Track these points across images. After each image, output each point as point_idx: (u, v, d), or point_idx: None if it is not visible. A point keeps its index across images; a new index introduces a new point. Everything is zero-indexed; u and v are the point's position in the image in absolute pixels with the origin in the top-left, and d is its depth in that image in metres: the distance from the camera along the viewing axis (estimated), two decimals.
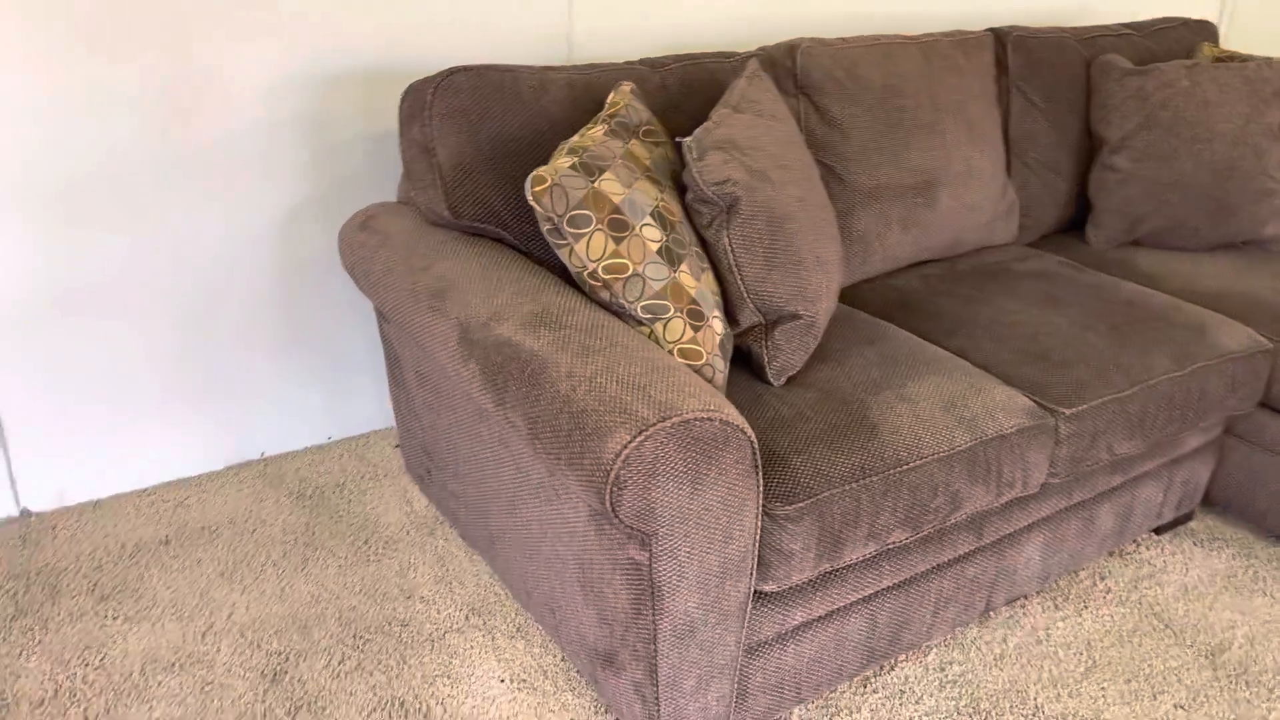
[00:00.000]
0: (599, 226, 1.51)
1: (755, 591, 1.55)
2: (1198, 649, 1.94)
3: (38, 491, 2.18)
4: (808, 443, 1.60)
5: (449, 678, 1.80)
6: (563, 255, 1.54)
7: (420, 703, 1.74)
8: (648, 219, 1.57)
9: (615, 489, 1.29)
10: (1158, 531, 2.29)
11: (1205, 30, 2.87)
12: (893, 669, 1.87)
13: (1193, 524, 2.33)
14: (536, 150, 1.84)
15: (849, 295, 2.23)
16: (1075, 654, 1.92)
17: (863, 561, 1.66)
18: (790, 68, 2.17)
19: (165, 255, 2.13)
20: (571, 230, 1.51)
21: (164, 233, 2.11)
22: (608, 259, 1.52)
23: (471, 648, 1.86)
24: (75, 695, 1.72)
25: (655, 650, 1.47)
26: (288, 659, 1.82)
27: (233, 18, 2.01)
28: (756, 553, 1.49)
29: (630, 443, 1.28)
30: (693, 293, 1.59)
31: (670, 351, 1.56)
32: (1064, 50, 2.57)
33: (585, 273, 1.54)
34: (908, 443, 1.63)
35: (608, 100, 1.81)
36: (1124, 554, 2.21)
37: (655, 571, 1.39)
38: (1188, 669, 1.89)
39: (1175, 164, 2.46)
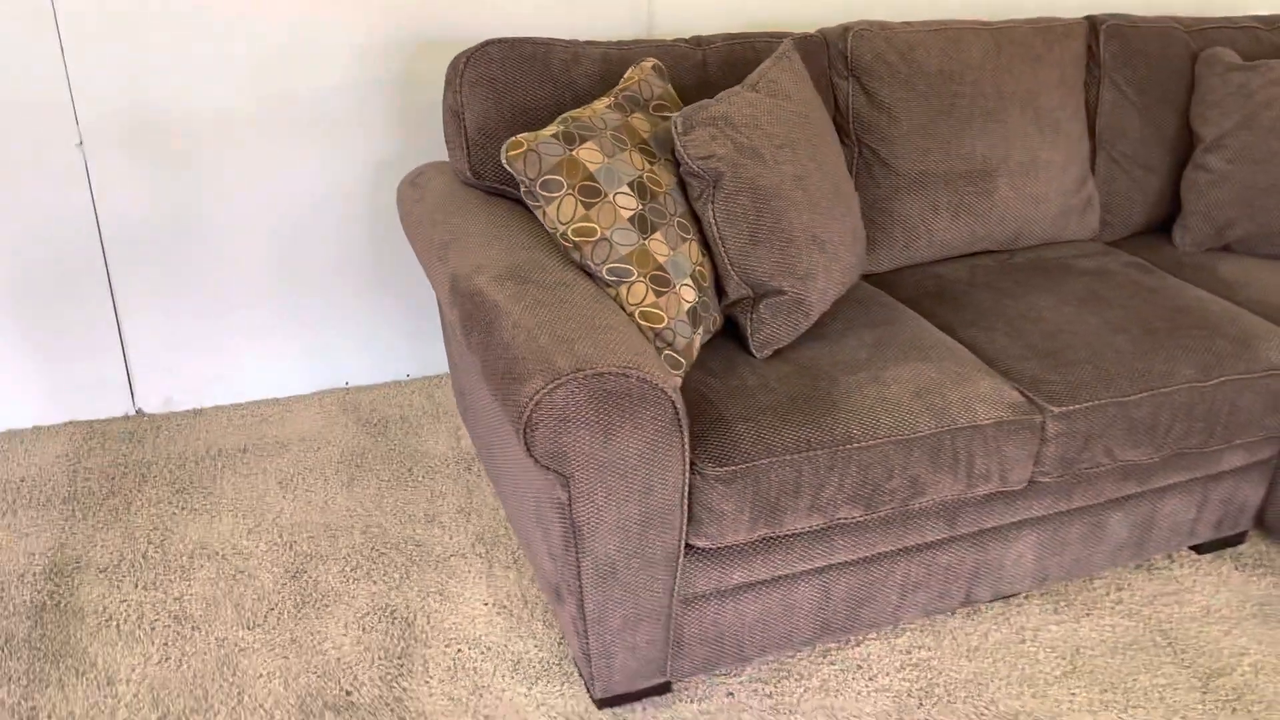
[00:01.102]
0: (569, 192, 1.63)
1: (688, 545, 1.64)
2: (1194, 670, 1.87)
3: (152, 395, 2.52)
4: (759, 411, 1.66)
5: (441, 595, 1.98)
6: (539, 216, 1.67)
7: (410, 613, 1.93)
8: (624, 188, 1.67)
9: (528, 429, 1.42)
10: (1198, 550, 2.18)
11: None
12: (859, 644, 1.91)
13: (1242, 547, 2.20)
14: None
15: (888, 279, 2.24)
16: (1057, 657, 1.89)
17: (810, 532, 1.71)
18: (842, 50, 2.20)
19: (265, 195, 2.41)
20: (544, 193, 1.63)
21: (265, 175, 2.39)
22: (577, 222, 1.64)
23: (469, 572, 2.04)
24: (133, 565, 2.02)
25: (581, 586, 1.59)
26: (311, 560, 2.06)
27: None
28: (686, 508, 1.58)
29: (542, 389, 1.40)
30: (661, 260, 1.68)
31: (632, 313, 1.66)
32: (1168, 41, 2.44)
33: (558, 234, 1.66)
34: (864, 422, 1.67)
35: (625, 75, 1.91)
36: (1152, 568, 2.13)
37: (575, 512, 1.51)
38: (1175, 688, 1.83)
39: (1273, 167, 2.30)
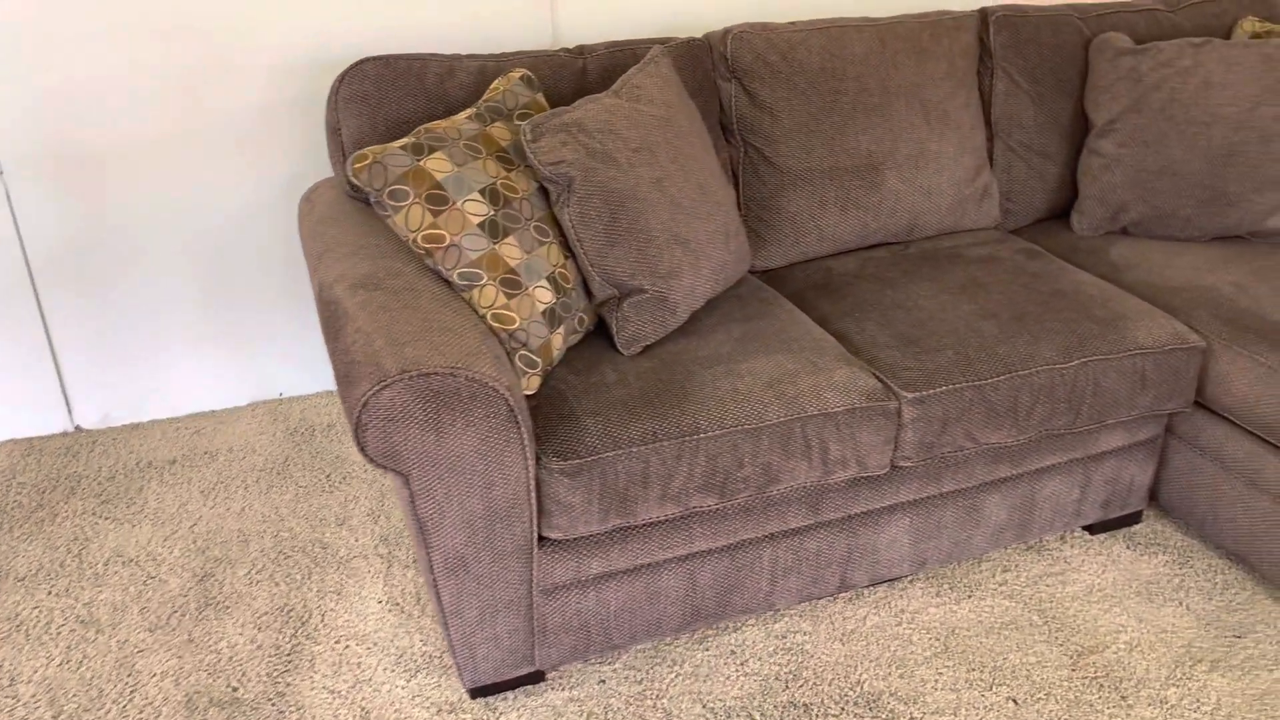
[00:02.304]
0: (416, 200, 1.70)
1: (542, 537, 1.70)
2: (1066, 648, 1.90)
3: (90, 412, 2.63)
4: (609, 406, 1.72)
5: (339, 594, 2.05)
6: (390, 225, 1.74)
7: (305, 611, 2.01)
8: (474, 195, 1.73)
9: (359, 430, 1.49)
10: (1091, 530, 2.21)
11: (1258, 3, 2.65)
12: (735, 630, 1.95)
13: (1138, 526, 2.22)
14: None
15: (780, 274, 2.28)
16: (931, 639, 1.93)
17: (667, 521, 1.76)
18: (723, 52, 2.25)
19: (189, 212, 2.50)
20: (391, 203, 1.70)
21: (188, 193, 2.48)
22: (426, 229, 1.70)
23: (369, 571, 2.11)
24: (49, 574, 2.11)
25: (435, 580, 1.65)
26: (220, 564, 2.14)
27: (239, 11, 2.32)
28: (534, 501, 1.64)
29: (369, 391, 1.47)
30: (513, 264, 1.74)
31: (484, 316, 1.73)
32: (1059, 29, 2.47)
33: (409, 241, 1.73)
34: (712, 413, 1.72)
35: (490, 86, 1.98)
36: (1041, 549, 2.16)
37: (418, 509, 1.58)
38: (1044, 666, 1.86)
39: (1165, 149, 2.32)
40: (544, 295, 1.77)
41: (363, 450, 1.51)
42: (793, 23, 2.31)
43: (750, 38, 2.24)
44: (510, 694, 1.82)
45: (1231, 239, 2.36)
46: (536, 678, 1.85)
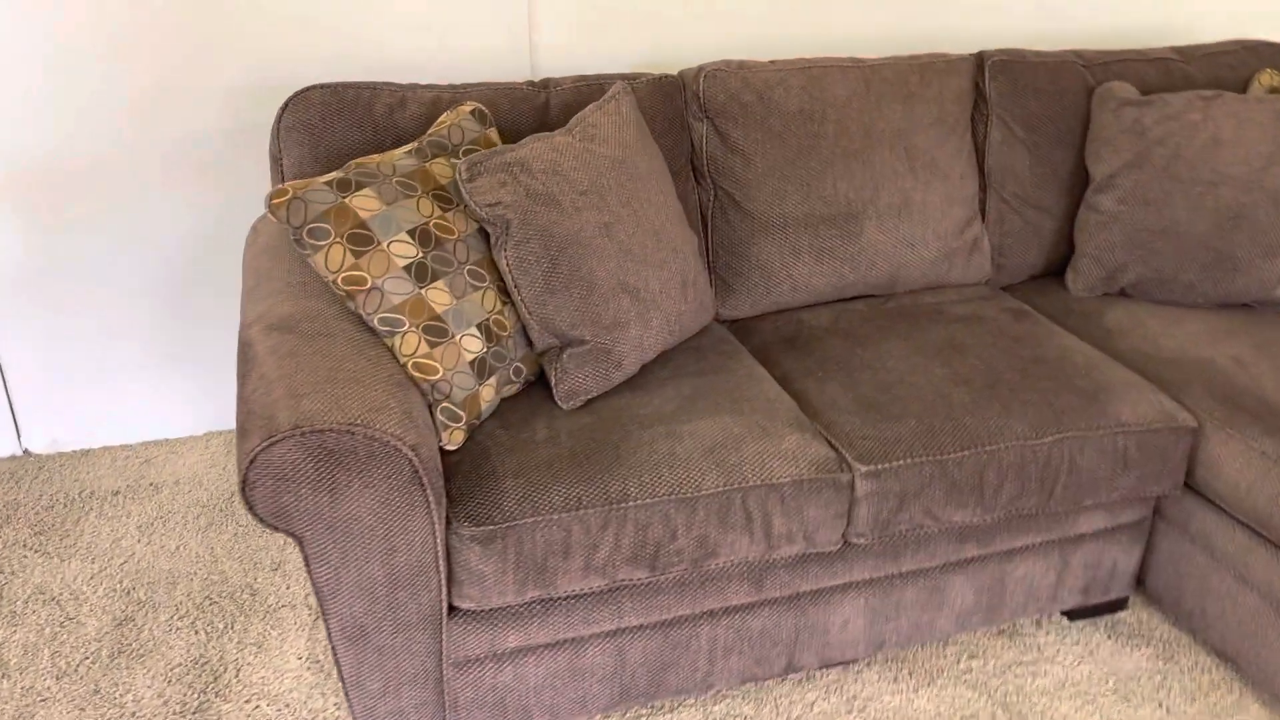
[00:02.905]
0: (337, 240, 1.59)
1: (453, 607, 1.57)
2: None
3: (38, 436, 2.55)
4: (535, 467, 1.60)
5: (259, 647, 1.94)
6: (310, 264, 1.64)
7: (222, 664, 1.90)
8: (401, 236, 1.63)
9: (246, 488, 1.38)
10: (1070, 615, 2.05)
11: (1278, 54, 2.49)
12: (671, 710, 1.82)
13: (1122, 614, 2.06)
14: None
15: (750, 325, 2.15)
16: None
17: (593, 594, 1.63)
18: (696, 91, 2.13)
19: (140, 239, 2.42)
20: (311, 241, 1.59)
21: (139, 219, 2.40)
22: (346, 270, 1.60)
23: (294, 624, 2.00)
24: None
25: (334, 649, 1.53)
26: (142, 608, 2.04)
27: (197, 33, 2.24)
28: (443, 568, 1.52)
29: (259, 446, 1.36)
30: (439, 310, 1.63)
31: (405, 365, 1.62)
32: (1060, 76, 2.33)
33: (330, 282, 1.62)
34: (643, 479, 1.59)
35: (438, 119, 1.88)
36: (1014, 633, 2.00)
37: (314, 573, 1.46)
38: None
39: (1167, 209, 2.17)
40: (472, 344, 1.66)
41: (250, 509, 1.40)
42: (773, 61, 2.19)
43: (724, 76, 2.12)
44: None
45: (1238, 307, 2.20)
46: None
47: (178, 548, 2.21)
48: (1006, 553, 1.88)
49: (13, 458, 2.54)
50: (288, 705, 1.81)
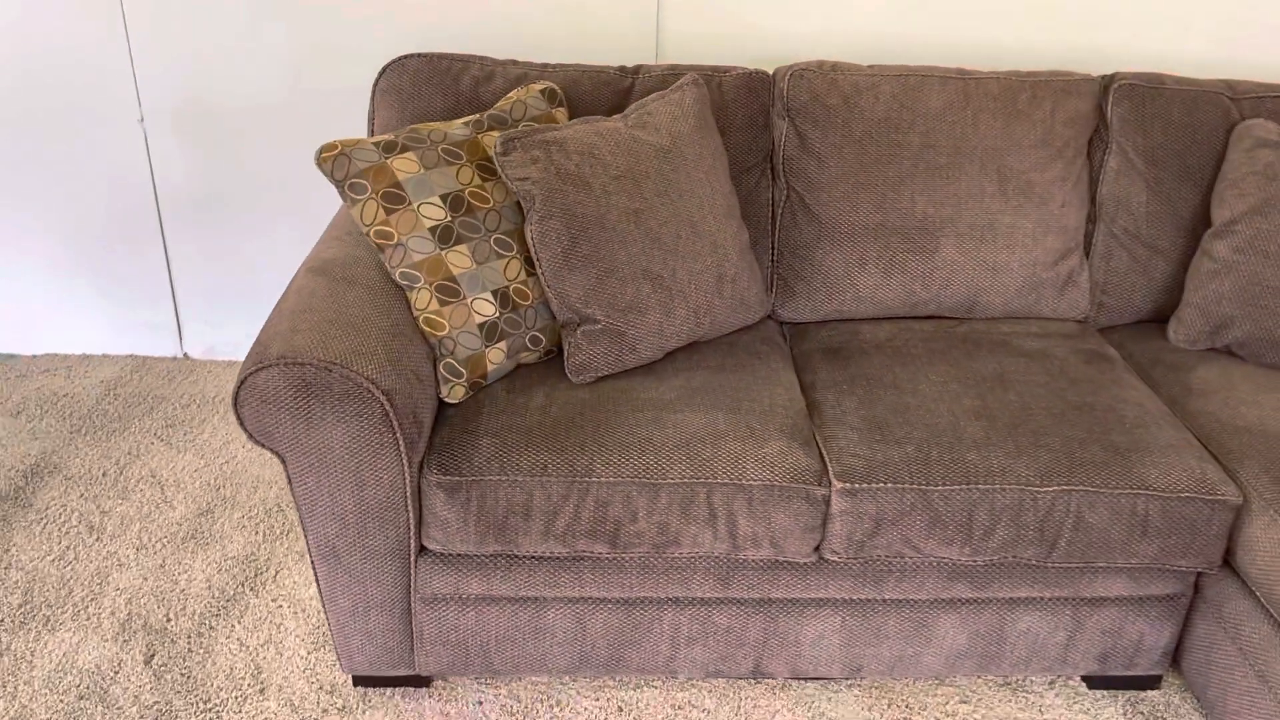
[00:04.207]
0: (372, 196, 1.74)
1: (422, 547, 1.70)
2: None
3: (197, 343, 2.90)
4: (513, 430, 1.69)
5: (301, 556, 2.15)
6: (351, 215, 1.79)
7: (267, 564, 2.12)
8: (433, 199, 1.76)
9: (236, 404, 1.55)
10: (1090, 683, 1.91)
11: None
12: (637, 687, 1.87)
13: (1153, 693, 1.90)
14: None
15: (809, 329, 2.14)
16: None
17: (554, 559, 1.71)
18: (782, 89, 2.13)
19: (296, 173, 2.70)
20: (351, 195, 1.75)
21: (296, 153, 2.67)
22: (378, 225, 1.74)
23: None
24: (91, 480, 2.36)
25: (313, 564, 1.70)
26: (225, 504, 2.31)
27: (356, 4, 2.48)
28: (412, 507, 1.65)
29: (249, 370, 1.53)
30: (456, 272, 1.75)
31: (417, 318, 1.75)
32: (1199, 108, 2.13)
33: (365, 233, 1.78)
34: (611, 458, 1.65)
35: (506, 94, 1.99)
36: (1021, 689, 1.90)
37: (294, 491, 1.63)
38: None
39: None
40: (484, 308, 1.77)
41: (240, 424, 1.57)
42: (872, 66, 2.15)
43: (811, 77, 2.10)
44: (389, 690, 1.84)
45: None
46: (422, 681, 1.86)
47: (270, 459, 2.47)
48: (1007, 601, 1.78)
49: (174, 359, 2.91)
50: (304, 610, 2.01)
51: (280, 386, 1.53)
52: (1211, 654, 1.77)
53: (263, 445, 1.59)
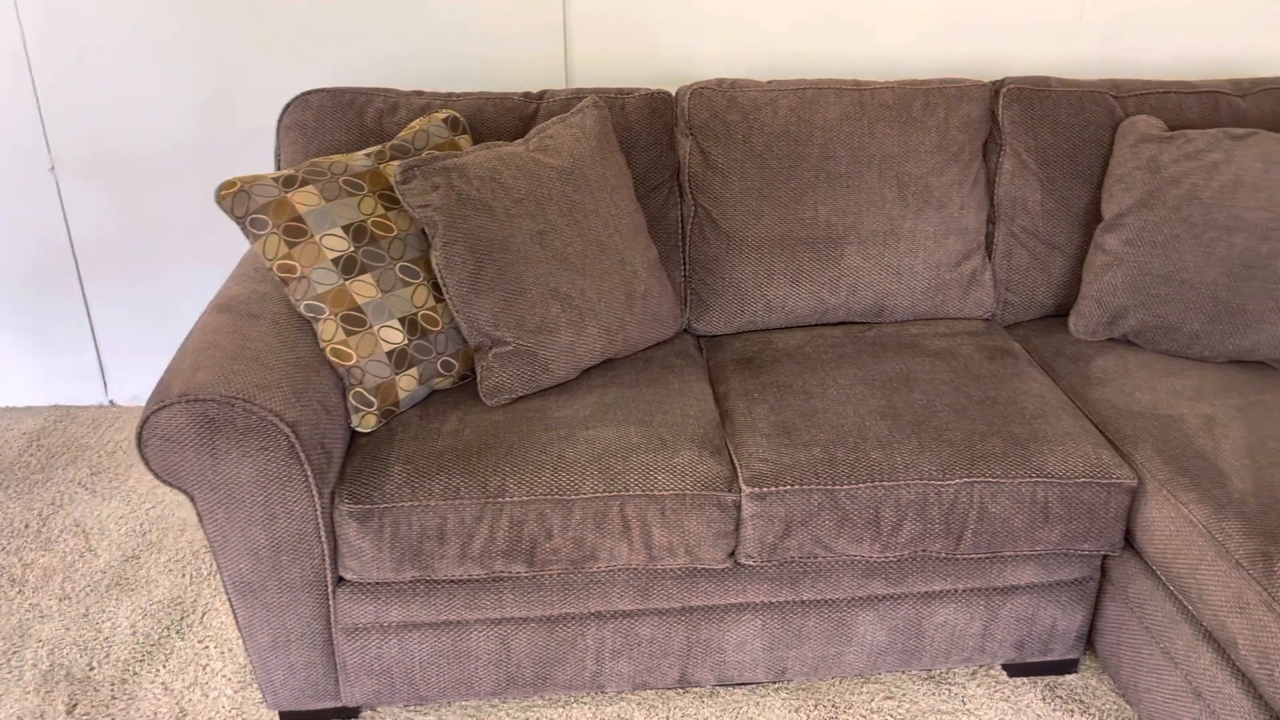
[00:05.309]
0: (273, 230, 1.75)
1: (340, 577, 1.70)
2: None
3: (123, 390, 2.88)
4: (426, 455, 1.70)
5: None
6: (254, 250, 1.80)
7: (193, 607, 2.11)
8: (335, 230, 1.77)
9: (140, 445, 1.55)
10: (1011, 670, 1.95)
11: None
12: (565, 705, 1.88)
13: (1070, 676, 1.94)
14: None
15: (724, 341, 2.17)
16: None
17: (474, 581, 1.72)
18: (684, 108, 2.17)
19: (205, 217, 2.69)
20: (252, 230, 1.76)
21: (206, 199, 2.67)
22: (280, 259, 1.76)
23: None
24: (12, 532, 2.33)
25: (230, 599, 1.70)
26: (150, 549, 2.29)
27: (253, 42, 2.48)
28: (326, 538, 1.65)
29: (152, 409, 1.54)
30: (361, 301, 1.76)
31: (324, 349, 1.76)
32: (1085, 108, 2.21)
33: (267, 268, 1.79)
34: (524, 478, 1.67)
35: (409, 124, 2.02)
36: (945, 680, 1.93)
37: (206, 528, 1.63)
38: None
39: (1174, 253, 2.03)
40: (392, 336, 1.78)
41: (146, 463, 1.57)
42: (771, 81, 2.20)
43: (711, 95, 2.15)
44: None
45: (1254, 364, 2.03)
46: (349, 713, 1.85)
47: None
48: (922, 595, 1.82)
49: (100, 406, 2.88)
50: (231, 650, 1.99)
51: (183, 424, 1.53)
52: (1121, 635, 1.82)
53: (169, 484, 1.59)
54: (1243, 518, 1.57)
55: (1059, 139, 2.21)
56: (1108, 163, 2.20)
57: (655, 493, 1.67)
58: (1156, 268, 2.05)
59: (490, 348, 1.85)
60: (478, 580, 1.72)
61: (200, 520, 1.62)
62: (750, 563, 1.73)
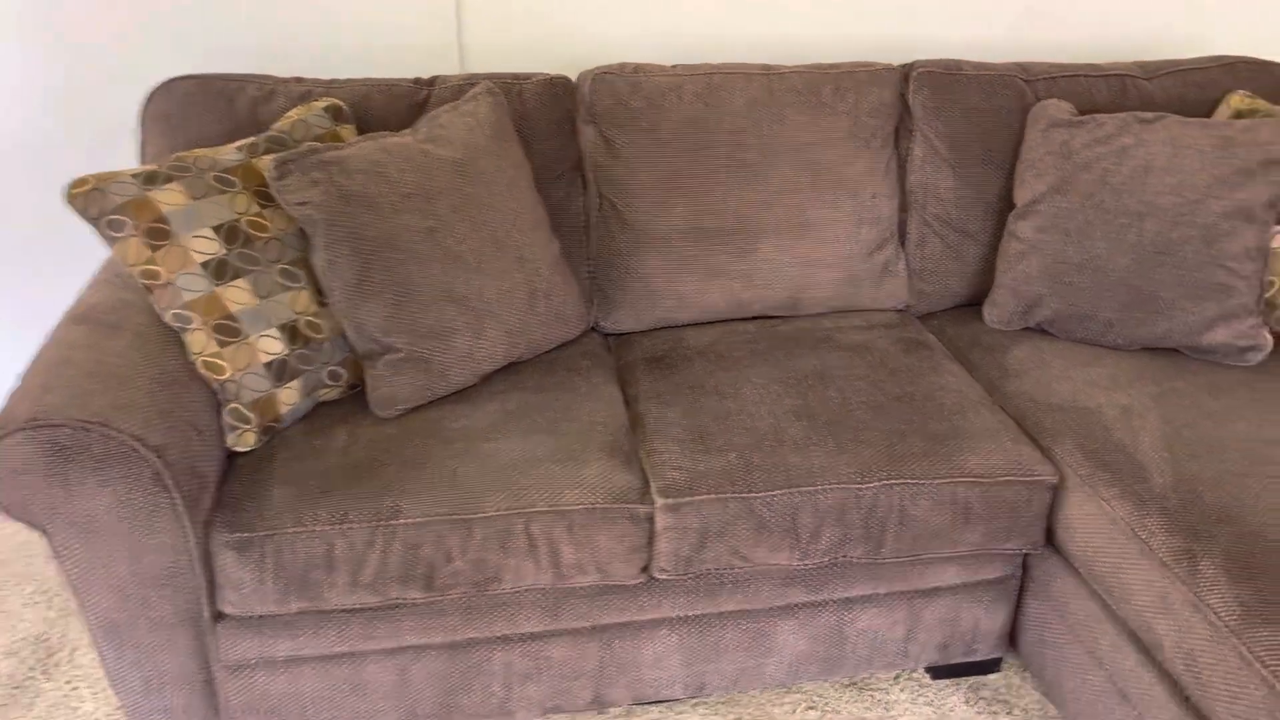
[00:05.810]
0: (134, 233, 1.59)
1: (218, 611, 1.56)
2: None
3: None
4: (310, 476, 1.57)
5: None
6: (114, 256, 1.64)
7: (60, 644, 1.93)
8: (204, 231, 1.61)
9: None
10: (934, 673, 1.91)
11: (1261, 74, 2.26)
12: None
13: (992, 676, 1.90)
14: None
15: (635, 339, 2.07)
16: None
17: (367, 610, 1.59)
18: (585, 94, 2.06)
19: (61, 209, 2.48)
20: (109, 233, 1.59)
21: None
22: (143, 264, 1.59)
23: None
24: None
25: (96, 643, 1.54)
26: (13, 578, 2.09)
27: (123, 23, 2.28)
28: (202, 570, 1.50)
29: None
30: (234, 309, 1.61)
31: (195, 362, 1.60)
32: (996, 92, 2.16)
33: (130, 274, 1.62)
34: (419, 498, 1.54)
35: (285, 114, 1.86)
36: (867, 688, 1.87)
37: (63, 566, 1.46)
38: None
39: (1087, 240, 1.99)
40: (271, 345, 1.63)
41: None
42: (675, 66, 2.10)
43: (614, 80, 2.04)
44: None
45: (1166, 351, 2.01)
46: None
47: None
48: (843, 601, 1.76)
49: None
50: (104, 691, 1.83)
51: (30, 453, 1.37)
52: (1044, 633, 1.78)
53: (19, 519, 1.43)
54: (1165, 513, 1.54)
55: (970, 124, 2.15)
56: (1019, 148, 2.16)
57: (563, 508, 1.56)
58: (1070, 255, 2.01)
59: (380, 355, 1.71)
60: (372, 608, 1.59)
61: (56, 557, 1.46)
62: (665, 577, 1.64)
